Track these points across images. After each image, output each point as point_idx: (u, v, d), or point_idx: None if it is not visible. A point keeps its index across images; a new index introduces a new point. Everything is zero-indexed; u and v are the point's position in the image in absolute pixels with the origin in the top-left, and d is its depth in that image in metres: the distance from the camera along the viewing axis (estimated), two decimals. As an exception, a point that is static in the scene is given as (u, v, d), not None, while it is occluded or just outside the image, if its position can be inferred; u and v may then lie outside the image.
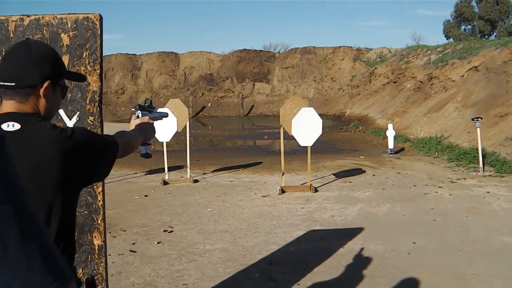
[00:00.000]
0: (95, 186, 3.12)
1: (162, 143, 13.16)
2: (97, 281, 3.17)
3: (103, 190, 3.18)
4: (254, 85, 43.29)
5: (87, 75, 3.07)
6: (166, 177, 12.90)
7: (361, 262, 6.59)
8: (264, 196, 10.74)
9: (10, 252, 0.95)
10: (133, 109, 2.81)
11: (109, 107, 43.03)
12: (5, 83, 2.09)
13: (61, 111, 3.08)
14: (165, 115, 2.89)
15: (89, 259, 3.18)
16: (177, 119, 12.71)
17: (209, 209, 9.69)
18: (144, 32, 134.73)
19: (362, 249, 7.09)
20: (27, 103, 2.13)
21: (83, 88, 3.09)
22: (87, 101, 3.09)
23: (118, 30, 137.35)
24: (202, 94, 43.66)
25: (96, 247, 3.17)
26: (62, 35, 3.08)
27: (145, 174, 14.33)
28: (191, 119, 38.91)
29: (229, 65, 44.46)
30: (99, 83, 3.09)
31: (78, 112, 3.09)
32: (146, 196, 11.16)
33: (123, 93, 44.15)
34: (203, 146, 23.17)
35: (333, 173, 13.47)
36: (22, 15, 3.10)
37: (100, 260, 3.18)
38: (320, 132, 10.86)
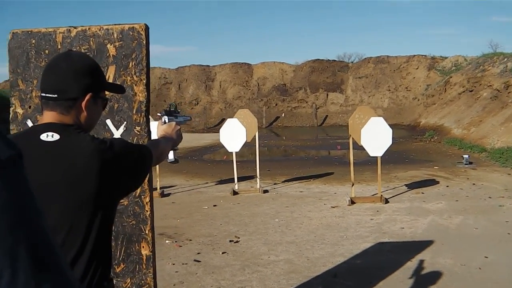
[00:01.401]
0: (142, 196, 3.12)
1: (231, 153, 13.22)
2: (144, 292, 3.16)
3: (151, 200, 3.17)
4: (327, 95, 43.01)
5: (134, 85, 3.07)
6: (236, 187, 12.92)
7: (429, 276, 6.38)
8: (333, 207, 10.59)
9: (19, 280, 0.89)
10: (158, 114, 2.80)
11: (184, 118, 43.63)
12: (47, 95, 2.12)
13: (108, 121, 3.09)
14: (188, 119, 2.87)
15: (137, 269, 3.17)
16: (246, 129, 12.72)
17: (276, 220, 9.63)
18: (217, 43, 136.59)
19: (430, 263, 6.87)
20: (68, 115, 2.14)
21: (130, 98, 3.09)
22: (134, 111, 3.09)
23: (192, 42, 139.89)
24: (276, 105, 43.68)
25: (144, 257, 3.16)
26: (108, 45, 3.10)
27: (216, 184, 14.42)
28: (264, 129, 39.21)
29: (302, 75, 44.34)
30: (146, 93, 3.08)
31: (125, 122, 3.09)
32: (214, 206, 11.20)
33: (197, 104, 44.68)
34: (276, 156, 23.13)
35: (405, 184, 13.17)
36: (69, 26, 3.14)
37: (148, 270, 3.17)
38: (390, 142, 10.62)
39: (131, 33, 3.08)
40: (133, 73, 3.08)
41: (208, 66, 46.60)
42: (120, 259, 3.16)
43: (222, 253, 7.56)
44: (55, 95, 2.12)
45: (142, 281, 3.16)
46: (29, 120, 3.15)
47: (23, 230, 0.91)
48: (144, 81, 3.08)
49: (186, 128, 41.13)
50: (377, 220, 9.34)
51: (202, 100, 44.79)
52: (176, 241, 8.23)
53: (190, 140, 30.08)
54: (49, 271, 0.93)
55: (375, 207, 10.45)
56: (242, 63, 46.17)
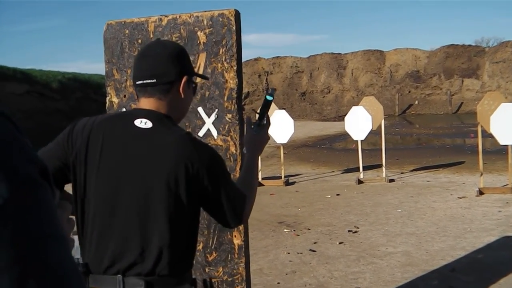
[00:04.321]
0: (235, 185, 3.09)
1: (357, 141, 13.03)
2: (236, 281, 3.13)
3: (243, 189, 3.13)
4: (462, 81, 41.31)
5: (224, 72, 3.04)
6: (361, 176, 12.71)
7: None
8: (460, 198, 10.14)
9: None
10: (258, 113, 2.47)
11: (315, 106, 43.62)
12: (145, 81, 2.16)
13: (199, 109, 3.08)
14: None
15: (228, 258, 3.14)
16: (372, 117, 12.48)
17: (399, 210, 9.36)
18: (349, 31, 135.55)
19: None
20: (165, 99, 2.18)
21: (221, 85, 3.06)
22: (225, 99, 3.06)
23: (324, 30, 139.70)
24: (409, 92, 42.61)
25: (236, 247, 3.13)
26: (199, 33, 3.09)
27: (342, 173, 14.28)
28: (397, 117, 38.38)
29: (436, 61, 42.83)
30: (237, 80, 3.04)
31: (217, 110, 3.07)
32: (338, 195, 11.07)
33: (329, 92, 44.46)
34: (407, 144, 22.57)
35: (542, 174, 12.36)
36: (161, 15, 3.16)
37: (240, 259, 3.13)
38: (523, 130, 10.00)
39: (220, 20, 3.05)
40: (223, 59, 3.05)
41: (340, 54, 46.16)
42: (213, 247, 3.15)
43: (339, 243, 7.43)
44: (154, 80, 2.15)
45: (234, 271, 3.14)
46: (124, 109, 3.20)
47: (35, 259, 0.80)
48: (235, 68, 3.04)
49: (317, 117, 41.12)
50: (505, 212, 8.81)
51: (334, 88, 44.52)
52: (294, 230, 8.20)
53: (320, 129, 30.06)
54: None
55: (505, 198, 9.87)
56: (374, 50, 45.33)
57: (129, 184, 2.07)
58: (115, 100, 3.22)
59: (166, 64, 2.17)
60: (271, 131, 10.51)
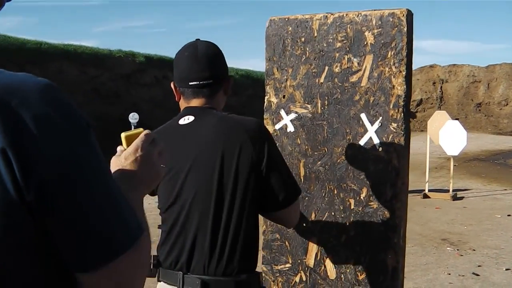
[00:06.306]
0: (393, 201, 2.81)
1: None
2: (390, 305, 2.87)
3: (403, 206, 2.86)
4: None
5: (392, 77, 2.78)
6: (537, 197, 11.80)
7: None
8: None
9: None
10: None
11: (490, 119, 41.50)
12: (202, 82, 2.21)
13: (363, 115, 2.84)
14: None
15: (380, 280, 2.89)
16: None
17: None
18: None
19: None
20: (215, 98, 2.27)
21: (387, 91, 2.80)
22: (391, 106, 2.79)
23: (505, 40, 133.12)
24: None
25: (390, 268, 2.87)
26: (366, 33, 2.84)
27: (516, 192, 13.38)
28: None
29: None
30: (405, 87, 2.77)
31: (381, 117, 2.81)
32: (508, 215, 10.31)
33: (507, 104, 42.04)
34: None
35: None
36: (326, 13, 2.97)
37: (393, 282, 2.87)
38: None
39: (391, 20, 2.79)
40: (391, 63, 2.79)
41: (524, 63, 43.48)
42: (364, 266, 2.92)
43: (506, 269, 6.85)
44: (210, 81, 2.22)
45: (386, 293, 2.88)
46: (282, 110, 3.04)
47: (101, 191, 1.06)
48: (404, 73, 2.77)
49: (493, 130, 39.07)
50: None
51: (513, 100, 42.08)
52: (457, 249, 7.71)
53: (495, 142, 28.57)
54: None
55: None
56: None
57: (189, 182, 2.11)
58: (274, 100, 3.07)
59: (219, 65, 2.29)
60: (442, 142, 9.85)
